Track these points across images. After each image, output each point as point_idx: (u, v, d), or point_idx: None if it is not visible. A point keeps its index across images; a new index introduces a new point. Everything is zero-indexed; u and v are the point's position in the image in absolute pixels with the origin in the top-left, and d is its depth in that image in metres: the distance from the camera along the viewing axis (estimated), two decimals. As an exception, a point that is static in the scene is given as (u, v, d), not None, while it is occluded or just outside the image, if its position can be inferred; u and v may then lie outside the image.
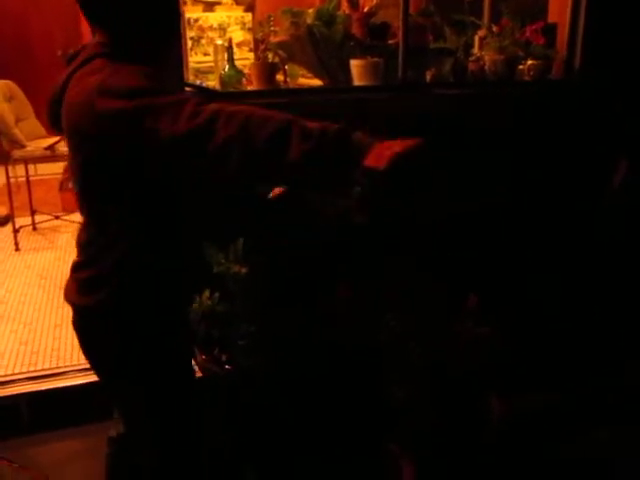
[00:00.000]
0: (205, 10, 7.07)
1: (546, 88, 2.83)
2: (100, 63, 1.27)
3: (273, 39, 2.47)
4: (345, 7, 2.81)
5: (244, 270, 1.96)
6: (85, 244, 1.41)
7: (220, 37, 6.60)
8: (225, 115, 1.10)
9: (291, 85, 2.58)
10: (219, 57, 2.74)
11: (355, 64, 2.46)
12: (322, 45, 2.48)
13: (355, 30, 2.68)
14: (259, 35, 2.41)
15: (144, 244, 1.36)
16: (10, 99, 4.45)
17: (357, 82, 2.49)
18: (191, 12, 6.95)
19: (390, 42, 2.72)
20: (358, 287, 2.14)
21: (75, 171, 1.34)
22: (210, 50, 6.97)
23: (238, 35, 6.77)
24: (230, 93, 2.32)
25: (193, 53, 6.55)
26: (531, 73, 2.86)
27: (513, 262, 2.60)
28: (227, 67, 2.48)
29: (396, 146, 1.09)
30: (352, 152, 1.09)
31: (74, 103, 1.26)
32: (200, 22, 6.93)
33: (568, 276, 2.65)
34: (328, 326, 2.12)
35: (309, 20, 2.51)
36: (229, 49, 2.50)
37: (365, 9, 2.79)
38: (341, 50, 2.53)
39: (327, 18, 2.53)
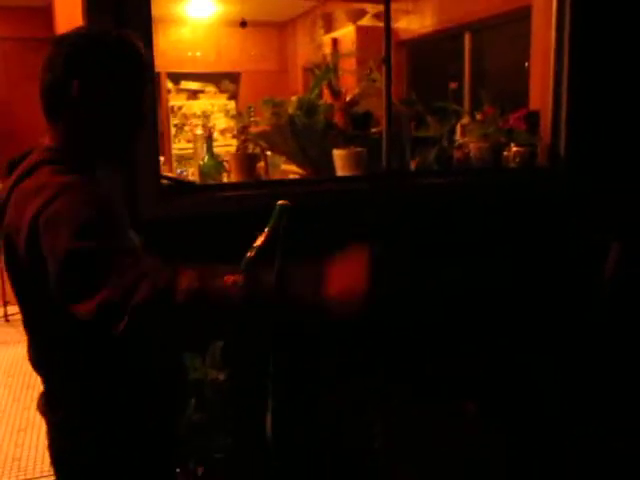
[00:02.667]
0: (189, 98, 7.15)
1: (532, 175, 2.78)
2: (46, 174, 1.14)
3: (254, 129, 2.41)
4: (327, 97, 2.78)
5: (222, 377, 1.81)
6: (39, 362, 1.27)
7: (203, 124, 6.66)
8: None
9: (273, 175, 2.51)
10: (198, 146, 2.67)
11: (338, 154, 2.40)
12: (304, 135, 2.42)
13: (337, 119, 2.64)
14: (239, 126, 2.35)
15: (102, 360, 1.21)
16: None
17: (340, 172, 2.42)
18: (175, 100, 7.04)
19: (373, 131, 2.67)
20: (346, 395, 1.99)
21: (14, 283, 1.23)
22: (202, 141, 7.02)
23: (222, 122, 6.82)
24: (208, 186, 2.23)
25: (177, 140, 6.58)
26: (517, 160, 2.82)
27: (510, 360, 2.47)
28: (206, 157, 2.40)
29: (351, 270, 1.07)
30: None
31: (12, 227, 1.14)
32: (184, 110, 7.00)
33: (567, 373, 2.52)
34: (314, 433, 1.95)
35: (290, 110, 2.46)
36: (208, 139, 2.43)
37: (347, 98, 2.76)
38: (323, 140, 2.47)
39: (308, 107, 2.48)
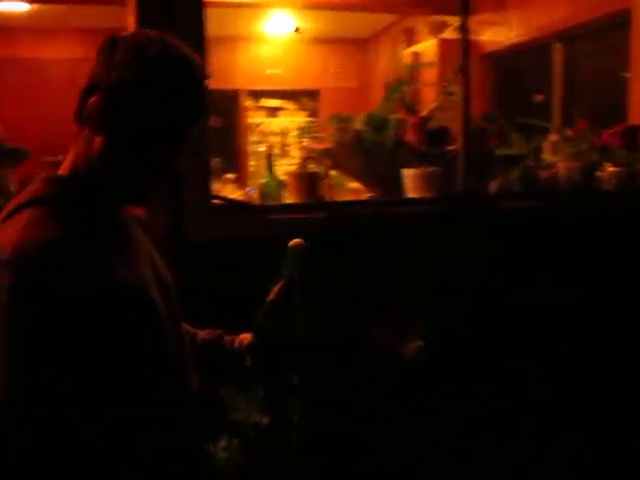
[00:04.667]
0: (268, 115, 7.11)
1: (631, 198, 2.46)
2: (17, 225, 0.89)
3: (317, 146, 2.24)
4: (400, 112, 2.57)
5: (266, 420, 1.62)
6: None
7: (281, 142, 6.59)
8: None
9: (337, 197, 2.32)
10: (261, 164, 2.52)
11: (408, 174, 2.18)
12: (371, 152, 2.23)
13: (410, 136, 2.43)
14: (300, 143, 2.17)
15: None
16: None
17: (411, 193, 2.20)
18: (254, 117, 7.01)
19: (449, 149, 2.44)
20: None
21: None
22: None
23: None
24: (261, 207, 2.06)
25: (252, 158, 6.52)
26: (612, 181, 2.51)
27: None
28: (267, 176, 2.25)
29: None
30: None
31: None
32: (262, 127, 6.96)
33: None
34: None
35: (358, 125, 2.27)
36: (268, 156, 2.27)
37: (422, 113, 2.55)
38: (393, 157, 2.26)
39: (378, 123, 2.28)
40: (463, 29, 2.17)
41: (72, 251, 0.88)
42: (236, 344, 1.26)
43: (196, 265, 1.91)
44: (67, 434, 0.86)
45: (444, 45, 4.72)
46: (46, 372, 0.83)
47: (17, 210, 0.92)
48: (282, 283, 1.17)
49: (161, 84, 0.97)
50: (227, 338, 1.29)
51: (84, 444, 0.88)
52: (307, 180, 2.06)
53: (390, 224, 2.06)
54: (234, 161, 6.55)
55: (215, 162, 4.41)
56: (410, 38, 5.80)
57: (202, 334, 1.30)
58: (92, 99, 0.97)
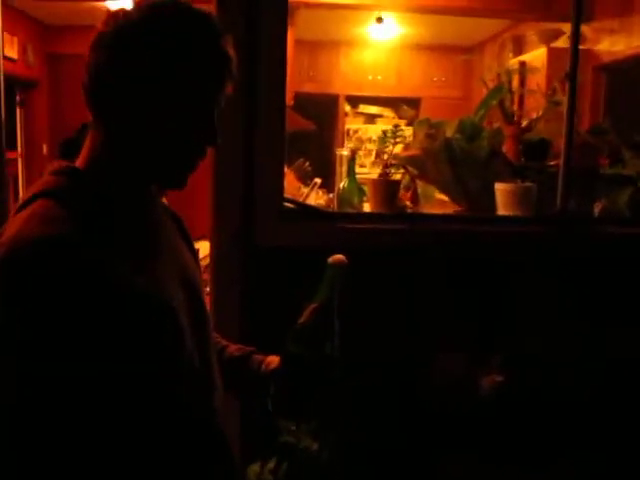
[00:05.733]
0: (366, 122, 6.98)
1: None
2: (24, 217, 0.81)
3: (403, 153, 2.07)
4: (498, 121, 2.36)
5: (316, 446, 1.48)
6: None
7: (378, 149, 6.42)
8: None
9: (422, 208, 2.14)
10: (343, 169, 2.38)
11: (501, 188, 1.98)
12: (462, 162, 2.03)
13: (507, 148, 2.21)
14: (381, 147, 2.02)
15: None
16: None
17: (502, 210, 1.99)
18: (352, 123, 6.89)
19: (549, 164, 2.21)
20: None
21: None
22: (367, 162, 6.82)
23: (398, 147, 6.56)
24: (335, 214, 1.92)
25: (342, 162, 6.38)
26: None
27: None
28: (346, 182, 2.10)
29: None
30: None
31: None
32: (359, 133, 6.83)
33: None
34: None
35: (449, 132, 2.08)
36: (351, 160, 2.13)
37: (523, 124, 2.32)
38: (485, 170, 2.06)
39: (471, 131, 2.09)
40: (574, 33, 1.94)
41: (68, 251, 0.78)
42: (263, 367, 1.12)
43: (261, 271, 1.80)
44: (71, 452, 0.77)
45: (554, 54, 4.40)
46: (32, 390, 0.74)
47: (29, 202, 0.84)
48: (316, 304, 1.03)
49: (171, 48, 0.86)
50: (256, 357, 1.15)
51: (92, 463, 0.78)
52: (387, 188, 1.90)
53: (475, 243, 1.87)
54: (326, 166, 6.47)
55: (306, 166, 4.35)
56: (519, 47, 5.49)
57: (231, 349, 1.18)
58: (100, 85, 0.87)
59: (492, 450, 1.77)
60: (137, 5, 0.88)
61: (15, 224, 0.80)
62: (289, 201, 1.84)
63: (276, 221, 1.78)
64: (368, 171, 6.44)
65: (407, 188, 2.13)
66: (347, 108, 6.92)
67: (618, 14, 4.15)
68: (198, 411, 0.95)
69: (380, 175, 1.98)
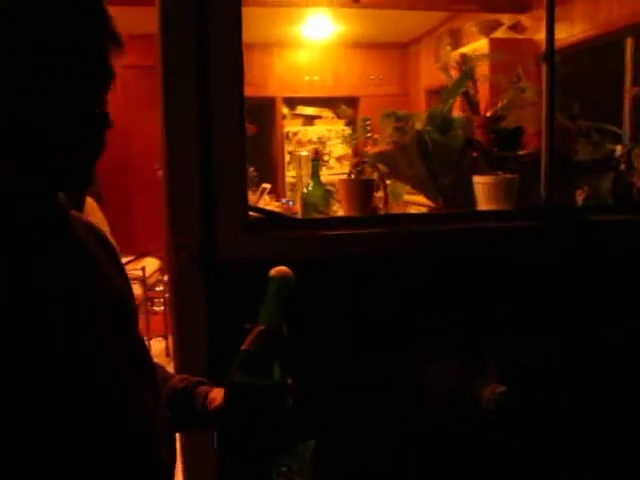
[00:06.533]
0: (305, 124, 6.83)
1: None
2: None
3: (371, 149, 1.90)
4: (462, 112, 2.22)
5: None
6: None
7: (313, 148, 6.28)
8: None
9: (394, 209, 1.97)
10: (304, 172, 2.19)
11: (481, 181, 1.83)
12: (435, 156, 1.88)
13: (478, 138, 2.08)
14: (351, 144, 1.84)
15: None
16: (85, 214, 4.14)
17: (483, 205, 1.84)
18: (290, 126, 6.72)
19: (522, 153, 2.08)
20: None
21: None
22: (308, 165, 6.66)
23: (339, 149, 6.41)
24: (306, 221, 1.72)
25: (291, 167, 6.20)
26: None
27: None
28: (311, 184, 1.91)
29: None
30: None
31: None
32: (299, 136, 6.67)
33: None
34: None
35: (418, 125, 1.92)
36: (314, 162, 1.94)
37: (488, 113, 2.19)
38: (460, 163, 1.91)
39: (442, 123, 1.94)
40: (549, 8, 1.81)
41: None
42: (207, 402, 0.96)
43: (227, 289, 1.59)
44: None
45: (496, 45, 4.37)
46: None
47: None
48: (262, 326, 0.89)
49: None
50: (201, 391, 0.99)
51: None
52: (361, 189, 1.72)
53: (459, 242, 1.71)
54: (270, 171, 6.25)
55: (250, 172, 4.15)
56: (456, 41, 5.44)
57: (175, 380, 1.02)
58: None
59: (498, 468, 1.62)
60: None
61: None
62: (253, 209, 1.64)
63: (240, 232, 1.58)
64: (297, 173, 6.32)
65: (377, 188, 1.96)
66: (285, 110, 6.75)
67: (559, 2, 4.12)
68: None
69: (350, 174, 1.80)
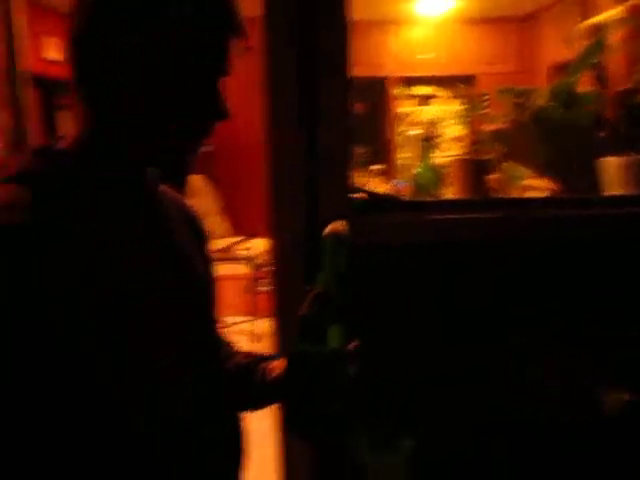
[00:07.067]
0: (419, 104, 6.65)
1: None
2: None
3: (487, 127, 1.77)
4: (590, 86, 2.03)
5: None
6: None
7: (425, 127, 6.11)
8: None
9: (511, 192, 1.83)
10: (415, 153, 2.09)
11: (611, 163, 1.65)
12: (560, 134, 1.72)
13: (608, 115, 1.89)
14: (466, 123, 1.72)
15: None
16: (198, 194, 4.25)
17: (610, 189, 1.67)
18: (404, 106, 6.57)
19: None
20: None
21: None
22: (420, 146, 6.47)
23: (453, 130, 6.18)
24: (415, 203, 1.63)
25: (403, 149, 6.06)
26: None
27: None
28: (422, 165, 1.82)
29: None
30: None
31: None
32: (412, 116, 6.50)
33: None
34: None
35: (540, 101, 1.76)
36: (425, 142, 1.84)
37: (620, 87, 1.99)
38: (588, 142, 1.74)
39: (567, 98, 1.77)
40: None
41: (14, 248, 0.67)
42: (265, 375, 0.92)
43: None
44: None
45: (637, 12, 3.98)
46: None
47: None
48: (316, 291, 0.84)
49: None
50: (263, 363, 0.95)
51: None
52: (475, 169, 1.60)
53: (586, 230, 1.55)
54: (381, 152, 6.15)
55: (360, 153, 4.08)
56: (585, 11, 5.07)
57: (239, 357, 0.99)
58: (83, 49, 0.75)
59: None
60: None
61: None
62: (359, 191, 1.57)
63: (345, 215, 1.51)
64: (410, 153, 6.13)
65: (493, 169, 1.83)
66: (398, 90, 6.60)
67: None
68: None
69: (463, 154, 1.68)
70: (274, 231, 1.62)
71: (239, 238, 3.86)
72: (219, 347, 0.95)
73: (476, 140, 1.66)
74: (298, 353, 0.81)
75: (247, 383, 0.94)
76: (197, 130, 0.78)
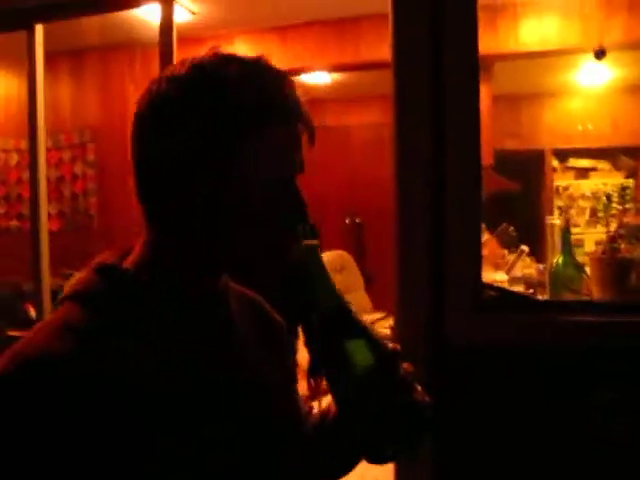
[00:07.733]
0: (577, 177, 6.35)
1: None
2: (46, 325, 0.70)
3: (630, 219, 1.64)
4: None
5: None
6: None
7: (593, 206, 5.80)
8: None
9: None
10: (556, 240, 1.99)
11: None
12: None
13: None
14: (606, 214, 1.61)
15: None
16: (341, 270, 4.31)
17: None
18: (561, 179, 6.31)
19: None
20: None
21: None
22: (581, 221, 6.12)
23: (614, 206, 5.79)
24: (551, 303, 1.53)
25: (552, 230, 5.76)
26: None
27: None
28: (561, 258, 1.72)
29: None
30: None
31: None
32: (570, 190, 6.21)
33: None
34: None
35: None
36: (565, 232, 1.74)
37: None
38: None
39: None
40: None
41: (54, 381, 0.63)
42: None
43: (455, 375, 1.47)
44: None
45: None
46: None
47: (61, 303, 0.72)
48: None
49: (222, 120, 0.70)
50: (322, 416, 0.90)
51: None
52: (615, 269, 1.48)
53: None
54: (534, 230, 5.91)
55: (509, 231, 3.94)
56: None
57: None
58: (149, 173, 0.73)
59: None
60: (173, 74, 0.72)
61: (31, 332, 0.68)
62: (488, 287, 1.51)
63: (472, 312, 1.46)
64: (582, 231, 5.81)
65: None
66: (555, 163, 6.36)
67: None
68: None
69: (604, 250, 1.57)
70: (397, 324, 1.60)
71: (382, 314, 3.83)
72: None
73: (615, 235, 1.54)
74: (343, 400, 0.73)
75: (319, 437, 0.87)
76: (278, 233, 0.73)
